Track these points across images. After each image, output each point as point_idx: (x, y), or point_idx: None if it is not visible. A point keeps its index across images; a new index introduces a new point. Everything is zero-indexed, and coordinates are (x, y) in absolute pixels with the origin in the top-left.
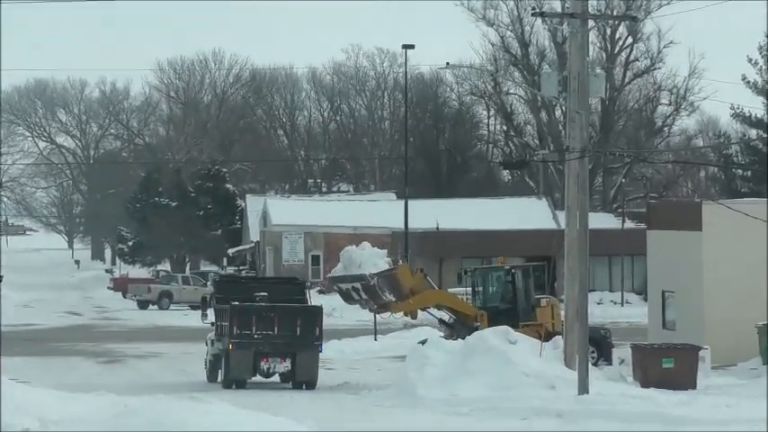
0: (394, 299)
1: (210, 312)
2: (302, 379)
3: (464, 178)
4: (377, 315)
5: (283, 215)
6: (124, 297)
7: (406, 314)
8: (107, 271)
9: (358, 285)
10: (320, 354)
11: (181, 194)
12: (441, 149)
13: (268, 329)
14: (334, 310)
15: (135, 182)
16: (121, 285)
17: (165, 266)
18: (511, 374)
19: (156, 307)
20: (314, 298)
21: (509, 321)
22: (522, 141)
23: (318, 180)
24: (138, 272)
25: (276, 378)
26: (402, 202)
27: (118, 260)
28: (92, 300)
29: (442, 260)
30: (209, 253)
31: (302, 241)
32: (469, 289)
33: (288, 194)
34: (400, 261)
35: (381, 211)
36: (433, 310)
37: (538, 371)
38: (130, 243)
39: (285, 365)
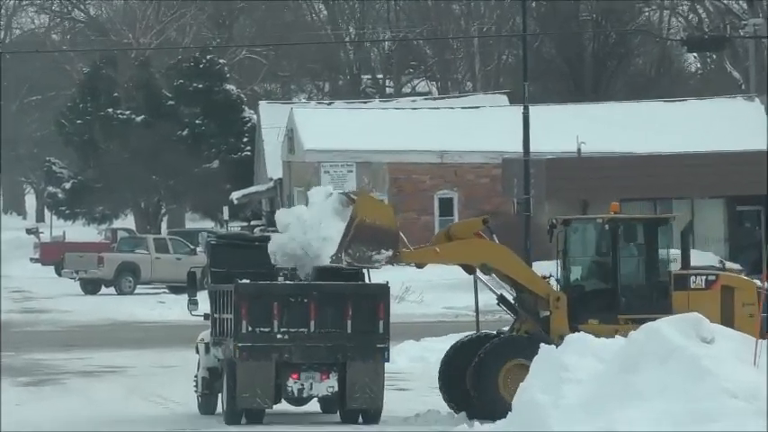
0: (390, 251)
1: (203, 298)
2: (357, 406)
3: (622, 69)
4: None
5: (322, 135)
6: (59, 274)
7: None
8: (30, 231)
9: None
10: (386, 364)
11: (151, 103)
12: (583, 20)
13: (300, 325)
14: (409, 289)
15: (74, 83)
16: (54, 255)
17: (127, 223)
18: (707, 395)
19: (112, 290)
20: (375, 272)
21: (600, 311)
22: (720, 4)
23: (379, 76)
24: (80, 232)
25: (314, 405)
26: (519, 110)
27: (48, 214)
28: (6, 279)
29: (587, 204)
30: (199, 200)
31: (353, 176)
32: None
33: (329, 100)
34: (351, 194)
35: (485, 124)
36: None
37: (751, 388)
38: (68, 185)
39: (329, 385)
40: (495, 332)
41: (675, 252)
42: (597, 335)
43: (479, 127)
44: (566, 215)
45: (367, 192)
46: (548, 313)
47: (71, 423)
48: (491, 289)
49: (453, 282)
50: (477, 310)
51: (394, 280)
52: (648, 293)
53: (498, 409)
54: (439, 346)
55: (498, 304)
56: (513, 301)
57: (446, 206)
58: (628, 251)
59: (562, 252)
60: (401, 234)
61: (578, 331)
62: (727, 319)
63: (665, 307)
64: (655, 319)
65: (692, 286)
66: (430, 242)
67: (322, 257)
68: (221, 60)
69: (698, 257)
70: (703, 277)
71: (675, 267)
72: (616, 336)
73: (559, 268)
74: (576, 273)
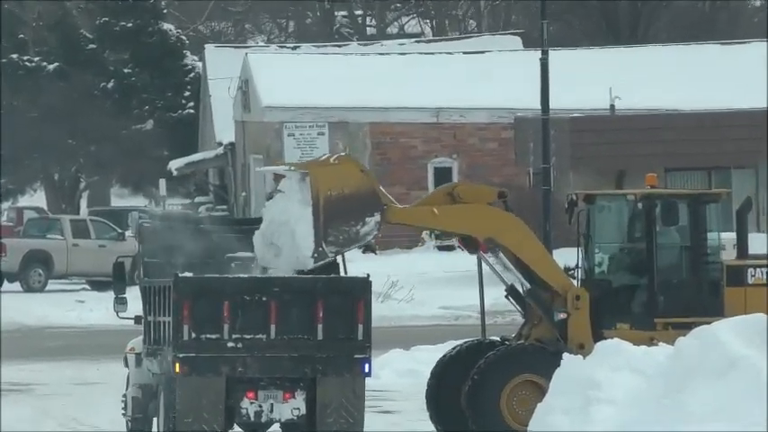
0: (377, 214)
1: (134, 296)
2: None
3: (667, 3)
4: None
5: (285, 87)
6: None
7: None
8: None
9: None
10: (367, 379)
11: (67, 47)
12: None
13: (257, 330)
14: (396, 284)
15: None
16: None
17: (36, 200)
18: None
19: (17, 285)
20: (353, 262)
21: (632, 313)
22: None
23: (358, 13)
24: None
25: (275, 431)
26: (535, 56)
27: None
28: None
29: (623, 175)
30: (128, 171)
31: (325, 140)
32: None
33: (293, 44)
34: (332, 157)
35: (492, 74)
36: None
37: None
38: None
39: (294, 406)
40: (498, 339)
41: (730, 237)
42: (629, 343)
43: (485, 77)
44: (594, 189)
45: (312, 161)
46: (564, 315)
47: None
48: (500, 277)
49: (452, 275)
50: (482, 311)
51: (377, 273)
52: (694, 290)
53: None
54: (434, 357)
55: (506, 297)
56: (517, 291)
57: (443, 177)
58: (667, 236)
59: (584, 237)
60: (382, 189)
61: (603, 338)
62: None
63: (714, 307)
64: (702, 324)
65: (751, 281)
66: (424, 199)
67: (302, 261)
68: None
69: (763, 243)
70: (764, 269)
71: (729, 256)
72: (656, 344)
73: (581, 258)
74: (601, 264)
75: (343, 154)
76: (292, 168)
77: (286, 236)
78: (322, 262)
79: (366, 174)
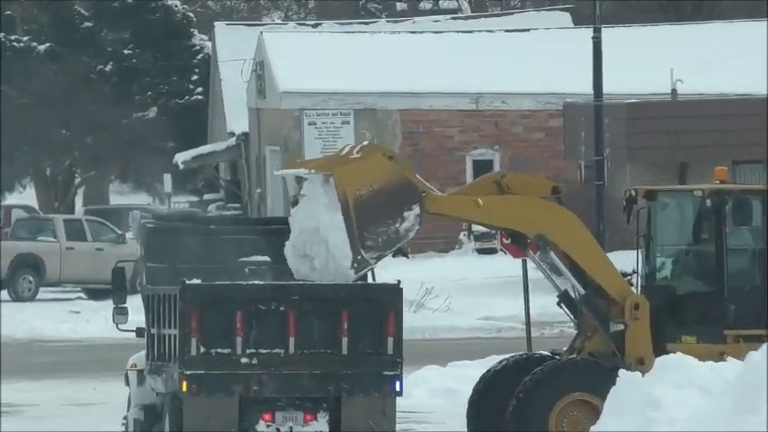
0: (416, 207)
1: (135, 305)
2: None
3: None
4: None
5: (305, 71)
6: None
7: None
8: None
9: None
10: (398, 399)
11: (60, 25)
12: None
13: (274, 344)
14: (430, 292)
15: None
16: None
17: (26, 198)
18: None
19: (4, 294)
20: (382, 267)
21: (698, 324)
22: None
23: None
24: None
25: None
26: (587, 34)
27: None
28: None
29: (686, 168)
30: (129, 164)
31: (350, 130)
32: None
33: (314, 21)
34: (354, 149)
35: (538, 55)
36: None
37: None
38: None
39: (316, 429)
40: (548, 353)
41: None
42: (696, 358)
43: (530, 59)
44: (652, 184)
45: (333, 158)
46: (621, 326)
47: None
48: (552, 281)
49: (494, 281)
50: (527, 321)
51: (409, 279)
52: None
53: None
54: (472, 374)
55: (558, 304)
56: (570, 296)
57: (483, 171)
58: (740, 238)
59: (644, 238)
60: (417, 176)
61: (666, 352)
62: None
63: None
64: None
65: None
66: (466, 187)
67: (341, 272)
68: None
69: None
70: None
71: None
72: (724, 359)
73: (640, 261)
74: (663, 268)
75: (365, 143)
76: (312, 172)
77: (319, 245)
78: (364, 271)
79: (395, 161)
